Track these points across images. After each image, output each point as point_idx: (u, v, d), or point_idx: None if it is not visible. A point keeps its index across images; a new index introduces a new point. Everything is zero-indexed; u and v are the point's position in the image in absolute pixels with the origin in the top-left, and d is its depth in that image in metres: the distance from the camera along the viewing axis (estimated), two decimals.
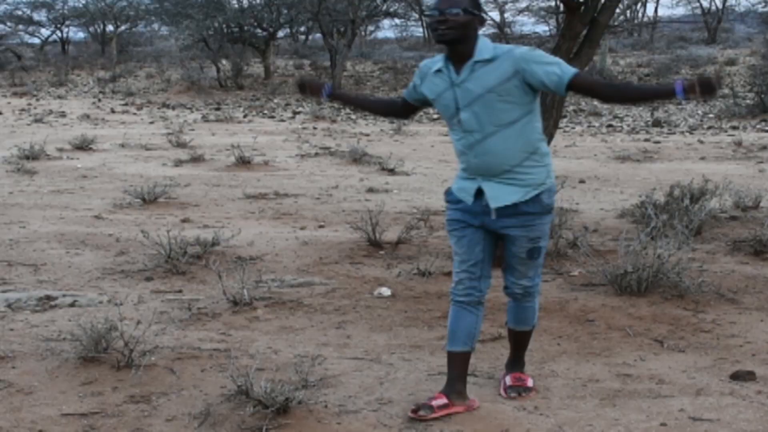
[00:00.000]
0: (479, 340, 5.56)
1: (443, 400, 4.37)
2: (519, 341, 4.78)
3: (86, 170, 14.10)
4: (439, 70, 4.30)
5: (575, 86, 4.16)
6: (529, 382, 4.70)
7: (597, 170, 14.67)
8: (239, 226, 9.20)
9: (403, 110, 4.71)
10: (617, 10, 8.40)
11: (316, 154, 16.85)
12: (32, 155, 15.16)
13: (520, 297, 4.57)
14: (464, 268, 4.44)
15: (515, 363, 4.81)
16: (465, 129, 4.25)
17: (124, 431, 4.23)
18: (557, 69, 4.13)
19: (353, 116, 25.95)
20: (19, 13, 50.99)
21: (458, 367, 4.48)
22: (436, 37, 4.21)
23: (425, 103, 4.51)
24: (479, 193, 4.31)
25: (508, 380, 4.70)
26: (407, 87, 4.59)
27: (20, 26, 52.35)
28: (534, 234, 4.34)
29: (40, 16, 51.51)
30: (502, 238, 4.40)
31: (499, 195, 4.27)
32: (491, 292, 6.64)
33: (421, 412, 4.31)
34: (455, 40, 4.17)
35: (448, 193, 4.49)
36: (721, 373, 5.02)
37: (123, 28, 50.40)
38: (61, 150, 16.70)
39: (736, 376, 4.92)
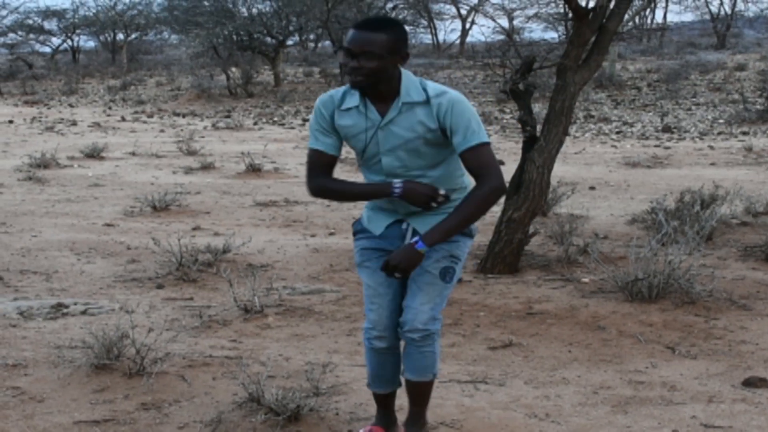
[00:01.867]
0: (490, 347, 5.57)
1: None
2: (417, 395, 4.08)
3: (97, 178, 14.13)
4: (351, 108, 3.79)
5: (463, 159, 3.73)
6: None
7: (607, 176, 14.65)
8: (250, 233, 9.21)
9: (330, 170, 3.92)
10: (626, 17, 8.38)
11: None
12: (43, 164, 15.19)
13: (418, 338, 3.86)
14: (380, 304, 3.93)
15: (414, 422, 4.15)
16: (387, 173, 3.81)
17: None
18: (460, 137, 3.68)
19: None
20: (30, 22, 51.20)
21: (389, 402, 4.20)
22: (350, 83, 3.71)
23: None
24: (393, 224, 3.92)
25: None
26: (314, 141, 3.88)
27: (31, 35, 52.55)
28: (455, 251, 3.87)
29: (51, 25, 51.72)
30: None
31: (429, 224, 3.80)
32: (501, 298, 6.67)
33: None
34: (369, 86, 3.70)
35: (357, 223, 4.05)
36: (733, 380, 5.01)
37: (133, 36, 50.56)
38: (72, 158, 16.73)
39: (749, 383, 4.92)
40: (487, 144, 3.71)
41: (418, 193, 3.73)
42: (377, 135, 3.77)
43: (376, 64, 3.63)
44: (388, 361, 4.05)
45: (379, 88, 3.72)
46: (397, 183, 3.72)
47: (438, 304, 3.88)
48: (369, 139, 3.79)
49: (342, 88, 3.85)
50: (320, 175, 3.85)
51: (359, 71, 3.64)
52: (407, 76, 3.76)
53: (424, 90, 3.74)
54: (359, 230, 4.02)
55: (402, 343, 3.99)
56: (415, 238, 3.71)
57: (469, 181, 3.88)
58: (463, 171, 3.87)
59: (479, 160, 3.69)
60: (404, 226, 3.88)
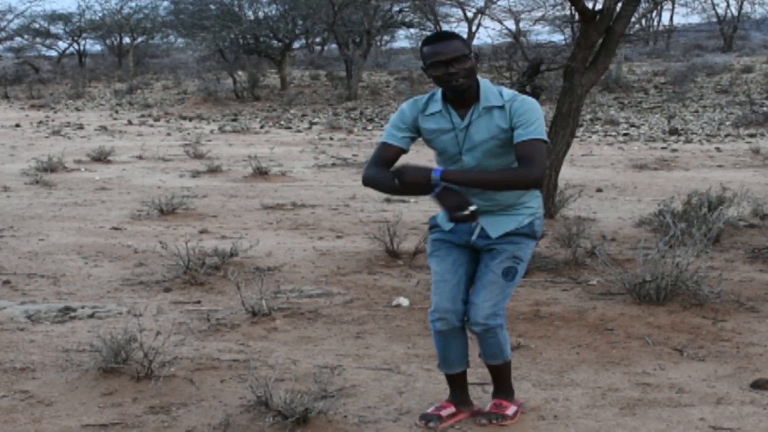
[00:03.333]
0: None
1: (451, 409, 4.44)
2: (494, 374, 4.52)
3: (104, 182, 14.16)
4: (437, 113, 4.20)
5: (516, 149, 4.08)
6: (509, 410, 4.43)
7: (614, 179, 14.64)
8: (257, 236, 9.21)
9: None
10: (632, 19, 8.38)
11: (333, 165, 16.87)
12: (50, 167, 15.22)
13: (481, 332, 4.27)
14: (444, 289, 4.28)
15: (498, 391, 4.55)
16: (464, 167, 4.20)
17: None
18: (522, 130, 4.06)
19: (369, 126, 26.00)
20: (36, 26, 51.35)
21: (458, 383, 4.51)
22: (452, 88, 4.08)
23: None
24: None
25: (488, 407, 4.48)
26: (389, 136, 4.24)
27: (37, 39, 52.68)
28: (518, 253, 4.23)
29: (57, 29, 51.85)
30: (481, 260, 4.31)
31: (497, 226, 4.23)
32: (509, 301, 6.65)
33: (431, 424, 4.35)
34: (470, 87, 4.12)
35: (432, 219, 4.43)
36: (741, 382, 5.00)
37: (139, 40, 50.60)
38: (79, 162, 16.77)
39: (757, 385, 4.91)
40: (544, 142, 4.07)
41: (450, 199, 4.02)
42: (458, 137, 4.17)
43: (470, 63, 4.06)
44: (451, 343, 4.36)
45: (465, 94, 4.13)
46: (441, 185, 4.01)
47: (500, 301, 4.23)
48: (451, 141, 4.18)
49: (425, 96, 4.26)
50: (378, 166, 4.21)
51: (457, 75, 4.04)
52: (485, 83, 4.18)
53: (500, 95, 4.14)
54: (434, 225, 4.40)
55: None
56: (436, 170, 4.02)
57: (540, 191, 4.33)
58: None
59: (531, 150, 4.03)
60: (473, 224, 4.20)
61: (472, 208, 3.98)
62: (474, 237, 4.26)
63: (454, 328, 4.30)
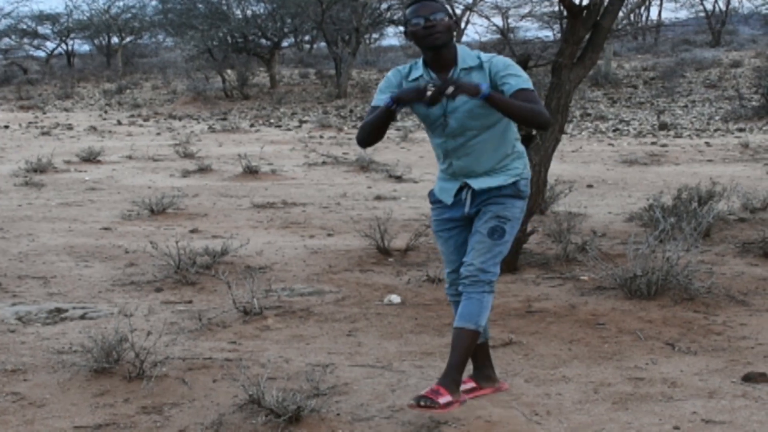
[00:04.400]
0: (491, 346, 5.57)
1: (472, 383, 4.65)
2: (456, 344, 4.34)
3: (94, 182, 14.13)
4: (418, 78, 4.35)
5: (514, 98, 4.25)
6: (443, 399, 4.17)
7: (604, 174, 14.66)
8: (248, 235, 9.21)
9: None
10: (620, 14, 8.39)
11: (324, 163, 16.86)
12: (40, 168, 15.19)
13: (468, 283, 4.34)
14: (452, 268, 4.57)
15: (446, 374, 4.32)
16: (448, 134, 4.37)
17: None
18: (512, 82, 4.23)
19: (359, 124, 25.98)
20: (24, 26, 51.19)
21: (480, 357, 4.69)
22: (428, 43, 4.24)
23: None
24: (458, 192, 4.47)
25: (425, 389, 4.28)
26: (377, 100, 4.38)
27: (25, 40, 52.51)
28: (503, 213, 4.37)
29: (45, 29, 51.71)
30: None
31: (481, 183, 4.40)
32: (499, 297, 6.67)
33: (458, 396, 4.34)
34: (444, 44, 4.25)
35: (431, 194, 4.62)
36: (733, 375, 5.01)
37: (128, 39, 50.51)
38: (68, 162, 16.73)
39: (749, 378, 4.92)
40: (534, 92, 4.24)
41: (408, 92, 4.15)
42: (442, 100, 4.19)
43: (448, 21, 4.23)
44: (466, 302, 4.42)
45: (442, 54, 4.27)
46: (389, 96, 4.19)
47: (488, 258, 4.35)
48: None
49: (408, 64, 4.45)
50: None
51: (435, 28, 4.21)
52: (462, 47, 4.36)
53: (478, 57, 4.32)
54: (435, 200, 4.58)
55: None
56: (485, 86, 4.10)
57: (522, 148, 4.51)
58: (517, 135, 4.49)
59: (533, 97, 4.20)
60: (463, 195, 4.43)
61: (430, 84, 4.11)
62: (466, 209, 4.44)
63: None
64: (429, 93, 4.06)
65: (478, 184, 4.39)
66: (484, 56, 4.33)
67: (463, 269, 4.39)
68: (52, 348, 5.57)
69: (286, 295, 6.89)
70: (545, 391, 4.80)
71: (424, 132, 19.26)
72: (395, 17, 37.44)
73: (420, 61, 4.39)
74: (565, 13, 7.74)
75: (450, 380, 4.29)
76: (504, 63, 4.29)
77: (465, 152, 4.37)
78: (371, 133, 4.34)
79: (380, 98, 4.36)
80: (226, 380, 4.97)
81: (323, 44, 42.23)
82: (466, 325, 4.35)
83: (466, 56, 4.33)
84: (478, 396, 4.61)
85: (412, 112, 4.44)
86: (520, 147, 4.51)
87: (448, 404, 4.21)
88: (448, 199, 4.49)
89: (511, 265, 7.56)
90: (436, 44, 4.24)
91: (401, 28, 38.19)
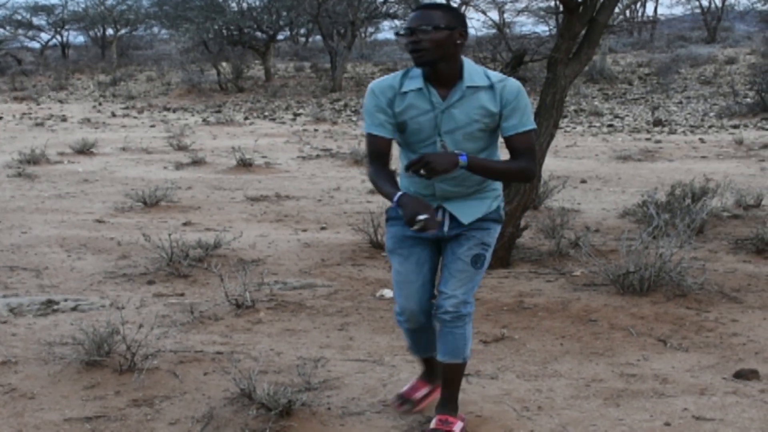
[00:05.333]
0: (482, 341, 5.57)
1: (425, 390, 4.46)
2: (448, 378, 4.19)
3: (87, 174, 14.10)
4: (414, 90, 3.89)
5: (509, 140, 3.91)
6: (456, 427, 4.12)
7: (598, 170, 14.66)
8: (241, 228, 9.20)
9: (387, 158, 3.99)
10: (616, 10, 8.38)
11: (317, 156, 16.85)
12: (33, 160, 15.16)
13: (450, 319, 4.02)
14: (410, 291, 4.10)
15: (444, 405, 4.20)
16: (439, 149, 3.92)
17: None
18: (516, 120, 3.88)
19: (354, 118, 25.97)
20: (19, 17, 51.11)
21: (431, 362, 4.44)
22: (413, 59, 3.81)
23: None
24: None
25: (433, 423, 4.15)
26: (371, 125, 3.93)
27: (20, 30, 52.42)
28: (486, 239, 4.04)
29: (40, 20, 51.63)
30: (446, 247, 4.09)
31: (467, 211, 4.03)
32: (492, 292, 6.67)
33: (406, 407, 4.40)
34: (433, 61, 3.80)
35: (390, 210, 4.14)
36: (724, 372, 5.01)
37: (123, 31, 50.43)
38: (62, 154, 16.70)
39: (740, 375, 4.92)
40: (532, 133, 3.94)
41: (413, 206, 3.66)
42: (437, 118, 3.88)
43: (432, 36, 3.75)
44: (421, 336, 4.27)
45: (440, 69, 3.84)
46: (398, 194, 3.73)
47: (470, 288, 4.04)
48: (428, 122, 3.89)
49: (398, 74, 3.96)
50: (375, 161, 3.95)
51: (419, 44, 3.76)
52: (469, 63, 3.92)
53: (486, 76, 3.91)
54: (393, 216, 4.13)
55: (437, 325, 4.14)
56: (461, 154, 3.75)
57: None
58: (499, 159, 4.03)
59: (527, 144, 3.90)
60: (440, 214, 4.01)
61: (422, 217, 3.60)
62: (446, 229, 4.04)
63: (423, 326, 4.18)
64: (416, 227, 3.60)
65: (465, 215, 4.01)
66: (495, 77, 3.91)
67: (444, 302, 4.01)
68: (43, 340, 5.56)
69: (278, 288, 6.88)
70: (536, 387, 4.80)
71: None
72: (391, 11, 37.43)
73: (415, 70, 3.94)
74: (561, 8, 7.73)
75: (451, 407, 4.19)
76: (515, 93, 3.87)
77: (453, 175, 3.91)
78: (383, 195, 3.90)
79: (373, 123, 3.92)
80: (217, 373, 4.96)
81: (319, 37, 42.21)
82: (455, 361, 4.13)
83: (473, 73, 3.88)
84: (434, 399, 4.39)
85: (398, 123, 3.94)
86: None
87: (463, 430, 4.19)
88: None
89: (504, 260, 7.57)
90: (419, 62, 3.80)
91: (397, 23, 38.22)
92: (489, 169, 3.86)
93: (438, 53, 3.79)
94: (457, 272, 4.01)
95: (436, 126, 3.89)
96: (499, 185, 4.14)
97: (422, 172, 3.69)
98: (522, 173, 3.91)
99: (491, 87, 3.87)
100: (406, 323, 4.19)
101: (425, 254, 4.10)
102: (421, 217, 3.60)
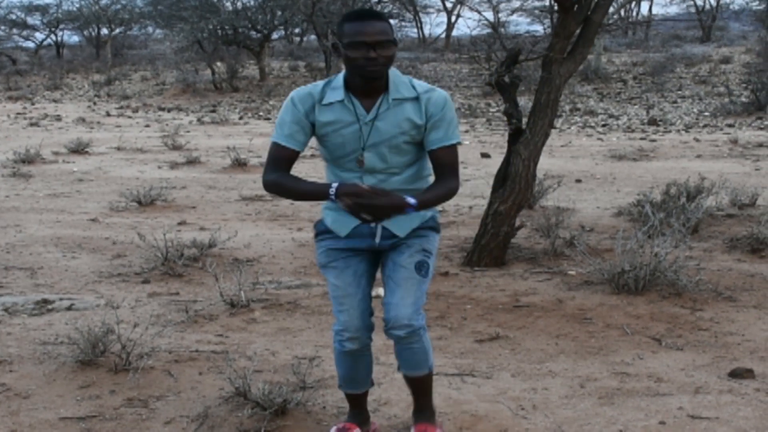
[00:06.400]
0: (477, 340, 5.58)
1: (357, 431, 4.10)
2: (418, 389, 4.05)
3: (82, 174, 14.09)
4: (337, 102, 3.66)
5: (434, 154, 3.69)
6: None
7: (593, 169, 14.67)
8: (236, 228, 9.19)
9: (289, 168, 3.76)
10: (611, 9, 8.39)
11: (312, 156, 16.83)
12: (28, 159, 15.14)
13: (404, 335, 3.76)
14: (351, 305, 3.83)
15: (421, 412, 4.09)
16: (366, 169, 3.70)
17: None
18: (442, 133, 3.67)
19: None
20: (13, 17, 51.07)
21: (361, 401, 4.15)
22: (366, 74, 3.56)
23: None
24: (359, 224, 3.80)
25: None
26: (281, 135, 3.70)
27: (14, 30, 52.37)
28: (427, 245, 3.82)
29: (35, 20, 51.58)
30: (385, 258, 3.88)
31: (402, 224, 3.79)
32: (487, 291, 6.67)
33: None
34: (383, 76, 3.63)
35: (319, 224, 3.94)
36: (719, 371, 5.02)
37: (117, 31, 50.39)
38: (56, 154, 16.68)
39: (735, 374, 4.92)
40: (456, 146, 3.73)
41: (358, 197, 3.44)
42: (362, 131, 3.66)
43: (393, 51, 3.58)
44: (360, 363, 3.98)
45: (375, 84, 3.64)
46: (334, 184, 3.51)
47: (419, 298, 3.78)
48: (353, 135, 3.67)
49: (320, 83, 3.73)
50: (278, 170, 3.70)
51: (377, 61, 3.54)
52: (394, 72, 3.70)
53: (412, 86, 3.69)
54: (323, 231, 3.90)
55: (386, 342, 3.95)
56: (411, 200, 3.49)
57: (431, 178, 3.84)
58: (429, 171, 3.80)
59: (451, 158, 3.70)
60: (373, 224, 3.73)
61: (411, 201, 3.49)
62: (378, 239, 3.81)
63: (365, 346, 3.92)
64: (366, 217, 3.44)
65: (400, 228, 3.78)
66: (420, 87, 3.68)
67: (393, 314, 3.74)
68: (38, 339, 5.55)
69: (273, 287, 6.88)
70: (531, 386, 4.80)
71: None
72: (386, 10, 37.43)
73: (338, 80, 3.69)
74: (556, 7, 7.74)
75: (429, 414, 4.08)
76: (441, 104, 3.65)
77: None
78: (290, 197, 3.75)
79: (283, 134, 3.70)
80: (212, 373, 4.96)
81: (313, 37, 42.17)
82: (419, 373, 3.96)
83: (399, 84, 3.67)
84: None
85: (317, 136, 3.74)
86: (431, 180, 3.81)
87: None
88: (344, 231, 3.82)
89: (498, 259, 7.57)
90: (373, 77, 3.58)
91: (391, 22, 38.24)
92: (431, 203, 3.62)
93: (389, 68, 3.63)
94: (402, 280, 3.76)
95: (361, 139, 3.67)
96: None
97: (366, 216, 3.46)
98: (450, 194, 3.68)
99: (417, 98, 3.67)
100: (349, 342, 3.87)
101: (362, 266, 3.85)
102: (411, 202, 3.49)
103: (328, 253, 3.87)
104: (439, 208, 4.01)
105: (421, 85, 3.72)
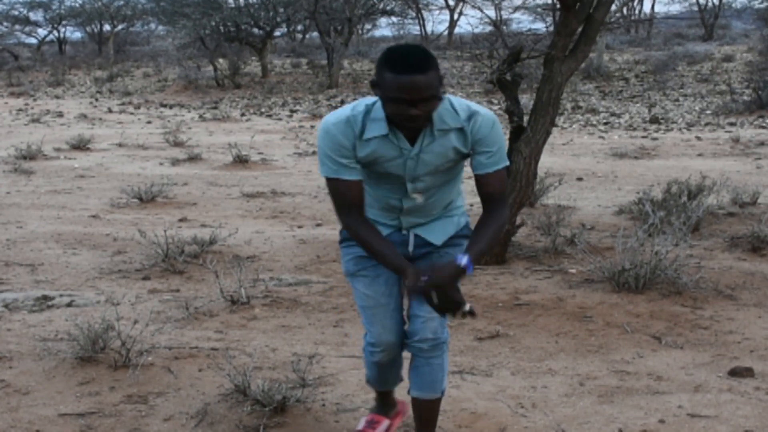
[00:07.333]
0: (477, 338, 5.58)
1: (385, 423, 4.06)
2: (425, 415, 3.80)
3: (83, 170, 14.09)
4: (376, 138, 3.42)
5: (482, 179, 3.50)
6: None
7: (594, 167, 14.66)
8: (236, 224, 9.19)
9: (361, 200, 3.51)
10: (613, 7, 8.38)
11: (314, 153, 16.83)
12: (29, 155, 15.15)
13: (428, 348, 3.62)
14: (384, 316, 3.67)
15: None
16: (408, 190, 3.55)
17: (122, 431, 4.22)
18: (490, 158, 3.47)
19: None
20: (16, 13, 51.16)
21: (389, 394, 4.09)
22: (409, 127, 3.36)
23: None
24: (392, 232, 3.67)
25: None
26: (340, 169, 3.43)
27: (17, 26, 52.46)
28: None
29: (37, 16, 51.68)
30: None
31: (437, 232, 3.67)
32: (487, 289, 6.67)
33: None
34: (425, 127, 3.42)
35: (344, 232, 3.70)
36: (719, 370, 5.01)
37: (120, 27, 50.46)
38: (58, 150, 16.68)
39: (735, 373, 4.92)
40: (504, 170, 3.54)
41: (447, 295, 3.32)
42: (407, 164, 3.46)
43: (437, 104, 3.31)
44: (391, 368, 3.88)
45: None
46: (423, 278, 3.30)
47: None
48: (398, 167, 3.48)
49: (357, 112, 3.43)
50: (353, 210, 3.48)
51: (420, 117, 3.28)
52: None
53: (456, 112, 3.44)
54: (349, 237, 3.66)
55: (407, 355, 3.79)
56: (463, 261, 3.34)
57: (463, 187, 3.79)
58: (461, 179, 3.72)
59: (501, 185, 3.52)
60: (404, 232, 3.65)
61: (468, 307, 3.34)
62: (411, 248, 3.66)
63: (395, 358, 3.80)
64: (458, 318, 3.34)
65: (435, 236, 3.66)
66: (463, 111, 3.44)
67: (420, 327, 3.60)
68: (38, 335, 5.55)
69: (273, 284, 6.88)
70: (531, 384, 4.80)
71: None
72: (388, 7, 37.45)
73: (378, 111, 3.41)
74: (558, 5, 7.73)
75: None
76: (489, 126, 3.45)
77: (419, 208, 3.60)
78: (366, 251, 3.53)
79: (341, 170, 3.43)
80: (212, 369, 4.96)
81: (315, 34, 42.18)
82: (432, 396, 3.74)
83: (444, 113, 3.41)
84: (397, 426, 4.15)
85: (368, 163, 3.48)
86: (462, 187, 3.77)
87: None
88: None
89: (499, 257, 7.57)
90: (415, 128, 3.38)
91: (394, 19, 38.22)
92: (486, 250, 3.47)
93: (430, 118, 3.39)
94: None
95: (405, 170, 3.48)
96: (462, 202, 3.78)
97: (435, 301, 3.32)
98: (503, 224, 3.53)
99: (461, 129, 3.43)
100: (380, 355, 3.73)
101: (394, 275, 3.61)
102: (467, 307, 3.32)
103: (357, 260, 3.67)
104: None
105: (463, 107, 3.46)
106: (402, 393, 4.05)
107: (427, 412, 3.78)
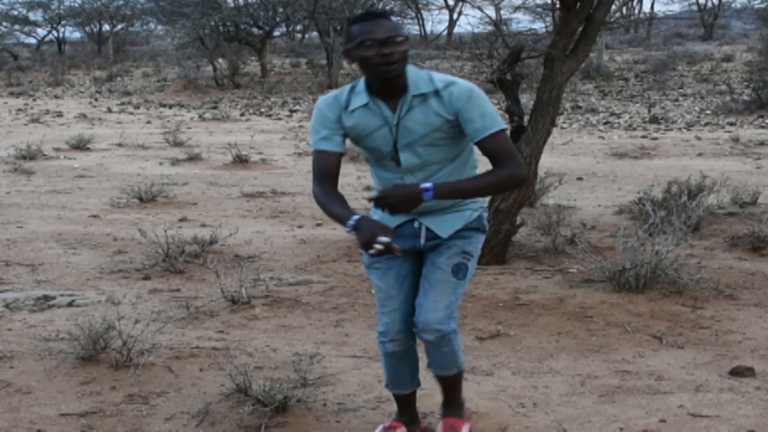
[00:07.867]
0: (478, 338, 5.58)
1: (402, 430, 4.07)
2: (447, 386, 4.02)
3: (83, 170, 14.08)
4: (361, 107, 3.63)
5: (481, 146, 3.58)
6: (464, 429, 4.03)
7: (594, 167, 14.66)
8: (237, 224, 9.19)
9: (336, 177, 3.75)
10: (613, 7, 8.38)
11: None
12: (29, 155, 15.14)
13: (434, 340, 3.73)
14: (393, 307, 3.81)
15: (449, 404, 4.08)
16: (405, 169, 3.67)
17: (123, 431, 4.22)
18: (478, 124, 3.55)
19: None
20: (15, 13, 51.11)
21: (408, 401, 4.12)
22: (383, 74, 3.51)
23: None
24: (403, 223, 3.78)
25: (440, 428, 4.04)
26: (317, 141, 3.70)
27: (16, 26, 52.43)
28: (468, 247, 3.77)
29: (36, 15, 51.63)
30: (426, 258, 3.83)
31: (445, 225, 3.76)
32: (488, 289, 6.67)
33: None
34: (402, 74, 3.56)
35: None
36: (720, 369, 5.01)
37: (119, 27, 50.42)
38: (58, 150, 16.68)
39: (735, 372, 4.92)
40: (505, 131, 3.59)
41: (371, 229, 3.42)
42: (392, 132, 3.62)
43: (405, 46, 3.51)
44: (404, 364, 3.96)
45: (394, 83, 3.56)
46: (354, 217, 3.48)
47: (453, 302, 3.73)
48: (384, 137, 3.64)
49: (344, 89, 3.69)
50: (322, 180, 3.70)
51: (392, 56, 3.47)
52: (412, 69, 3.62)
53: (431, 80, 3.60)
54: None
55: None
56: (427, 185, 3.49)
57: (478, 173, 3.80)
58: (475, 163, 3.80)
59: (499, 147, 3.56)
60: (416, 224, 3.76)
61: (384, 239, 3.36)
62: (422, 240, 3.78)
63: (408, 348, 3.90)
64: (372, 252, 3.39)
65: (443, 229, 3.75)
66: (440, 80, 3.60)
67: (423, 317, 3.71)
68: (39, 335, 5.55)
69: (274, 284, 6.88)
70: (532, 384, 4.80)
71: None
72: (387, 7, 37.43)
73: (361, 84, 3.64)
74: (558, 5, 7.73)
75: (456, 407, 4.07)
76: (467, 94, 3.57)
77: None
78: (325, 214, 3.75)
79: (320, 139, 3.68)
80: (213, 369, 4.96)
81: (315, 34, 42.17)
82: (448, 373, 3.93)
83: (417, 80, 3.59)
84: None
85: (357, 143, 3.73)
86: (478, 172, 3.81)
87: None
88: None
89: (500, 257, 7.57)
90: (392, 76, 3.52)
91: (393, 19, 38.18)
92: (463, 191, 3.57)
93: (405, 64, 3.55)
94: (437, 283, 3.72)
95: (392, 141, 3.64)
96: (481, 200, 3.87)
97: (381, 210, 3.55)
98: (507, 181, 3.59)
99: (437, 93, 3.59)
100: (391, 344, 3.87)
101: (406, 267, 3.82)
102: (383, 239, 3.36)
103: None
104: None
105: (441, 78, 3.62)
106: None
107: (447, 382, 4.01)
